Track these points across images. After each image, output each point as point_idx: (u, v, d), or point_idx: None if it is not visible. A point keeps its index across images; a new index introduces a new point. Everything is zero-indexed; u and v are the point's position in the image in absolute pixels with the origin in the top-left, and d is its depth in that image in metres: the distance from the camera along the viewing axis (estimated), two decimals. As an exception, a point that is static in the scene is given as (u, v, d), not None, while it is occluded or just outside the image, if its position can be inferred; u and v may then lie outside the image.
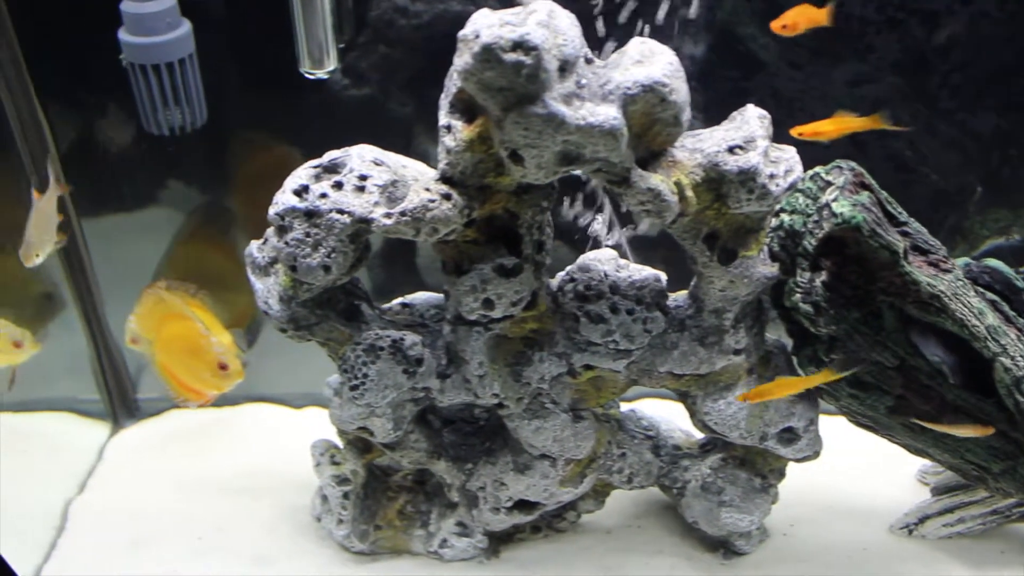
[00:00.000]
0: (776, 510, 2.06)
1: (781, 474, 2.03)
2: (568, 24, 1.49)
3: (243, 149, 2.45)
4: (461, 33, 1.46)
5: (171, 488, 2.34)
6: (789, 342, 1.91)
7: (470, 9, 2.30)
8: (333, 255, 1.67)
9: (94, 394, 2.52)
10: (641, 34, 2.21)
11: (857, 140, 2.07)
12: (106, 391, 2.50)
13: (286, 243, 1.68)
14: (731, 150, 1.60)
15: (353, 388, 1.83)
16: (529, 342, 1.83)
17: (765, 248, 1.74)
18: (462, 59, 1.46)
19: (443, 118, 1.60)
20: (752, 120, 1.63)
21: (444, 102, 1.61)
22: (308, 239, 1.67)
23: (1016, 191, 2.36)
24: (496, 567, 2.11)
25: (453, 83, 1.57)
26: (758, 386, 1.82)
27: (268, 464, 2.39)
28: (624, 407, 2.10)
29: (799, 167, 1.65)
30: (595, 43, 2.22)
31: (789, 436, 1.92)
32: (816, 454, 1.96)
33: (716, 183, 1.62)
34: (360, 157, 1.69)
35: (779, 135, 1.67)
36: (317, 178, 1.69)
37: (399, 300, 1.97)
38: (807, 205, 1.73)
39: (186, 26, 1.99)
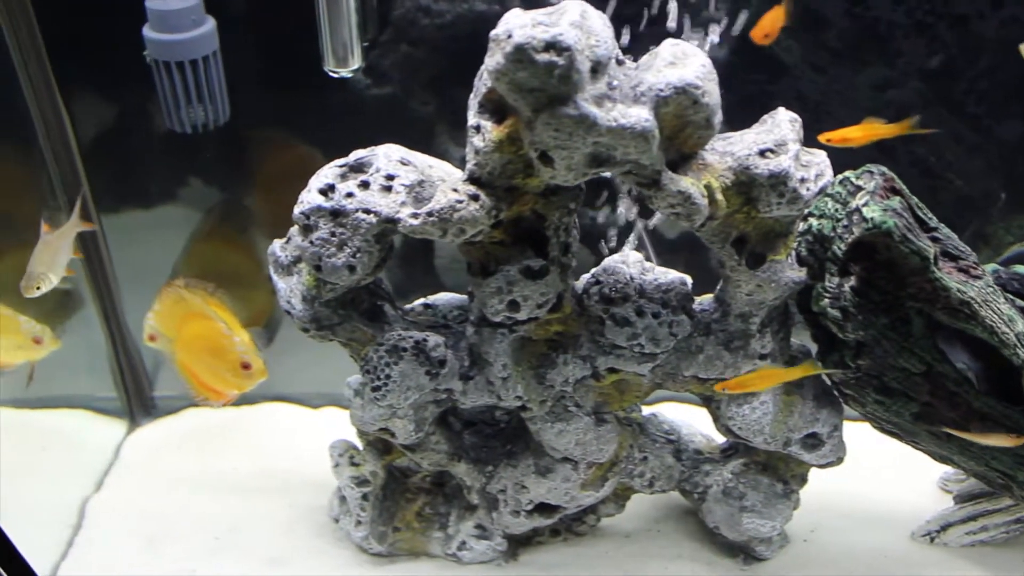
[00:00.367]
0: (797, 516, 2.05)
1: (803, 480, 2.02)
2: (601, 25, 1.48)
3: (263, 147, 2.44)
4: (493, 33, 1.45)
5: (188, 487, 2.33)
6: (814, 348, 1.90)
7: (494, 9, 2.32)
8: (358, 255, 1.66)
9: (111, 392, 2.51)
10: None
11: (883, 145, 2.05)
12: (123, 389, 2.50)
13: (311, 242, 1.67)
14: (762, 153, 1.59)
15: (375, 389, 1.82)
16: (553, 344, 1.82)
17: (792, 252, 1.73)
18: (494, 59, 1.45)
19: (472, 118, 1.59)
20: (783, 123, 1.62)
21: (473, 102, 1.60)
22: (333, 238, 1.66)
23: (1041, 197, 2.35)
24: (515, 570, 2.10)
25: (483, 83, 1.56)
26: (739, 376, 1.80)
27: (285, 464, 2.38)
28: (645, 411, 2.09)
29: (829, 171, 1.64)
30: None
31: (813, 442, 1.91)
32: (840, 460, 1.95)
33: (746, 186, 1.61)
34: (387, 156, 1.68)
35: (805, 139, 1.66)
36: (343, 177, 1.68)
37: (421, 301, 1.96)
38: (836, 210, 1.72)
39: (210, 23, 1.98)
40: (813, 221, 1.75)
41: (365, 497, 2.06)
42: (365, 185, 1.65)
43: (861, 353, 1.75)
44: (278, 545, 2.17)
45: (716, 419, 1.94)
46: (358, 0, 2.00)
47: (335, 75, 2.04)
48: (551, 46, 1.40)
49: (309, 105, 2.38)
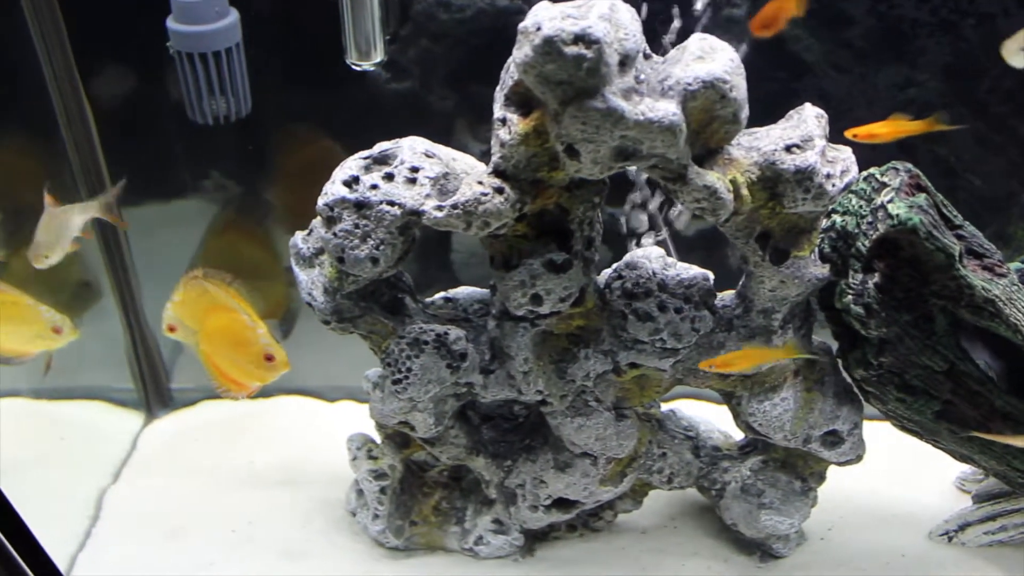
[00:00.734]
0: (814, 514, 2.04)
1: (821, 477, 2.01)
2: (629, 18, 1.48)
3: (282, 140, 2.44)
4: (522, 25, 1.45)
5: (204, 479, 2.34)
6: (835, 345, 1.90)
7: (515, 4, 2.32)
8: (382, 247, 1.66)
9: (128, 383, 2.52)
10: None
11: (903, 143, 2.05)
12: (141, 381, 2.50)
13: (334, 234, 1.67)
14: (788, 149, 1.59)
15: (396, 382, 1.82)
16: (575, 339, 1.82)
17: (816, 249, 1.73)
18: (522, 51, 1.45)
19: (498, 111, 1.59)
20: (809, 119, 1.62)
21: (499, 95, 1.59)
22: (357, 230, 1.66)
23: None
24: (531, 566, 2.10)
25: (510, 76, 1.56)
26: (723, 355, 1.78)
27: (301, 457, 2.39)
28: (663, 408, 2.08)
29: (855, 168, 1.63)
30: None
31: (833, 439, 1.91)
32: (859, 458, 1.94)
33: (772, 182, 1.60)
34: (411, 149, 1.68)
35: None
36: (367, 169, 1.68)
37: (442, 294, 1.96)
38: (860, 206, 1.71)
39: (234, 15, 1.99)
40: (837, 218, 1.75)
41: (383, 491, 2.06)
42: (390, 177, 1.65)
43: (883, 350, 1.74)
44: (295, 538, 2.17)
45: (736, 415, 1.94)
46: (381, -7, 2.01)
47: (357, 68, 2.04)
48: (580, 39, 1.39)
49: (328, 99, 2.38)
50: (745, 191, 1.60)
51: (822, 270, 1.73)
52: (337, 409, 2.58)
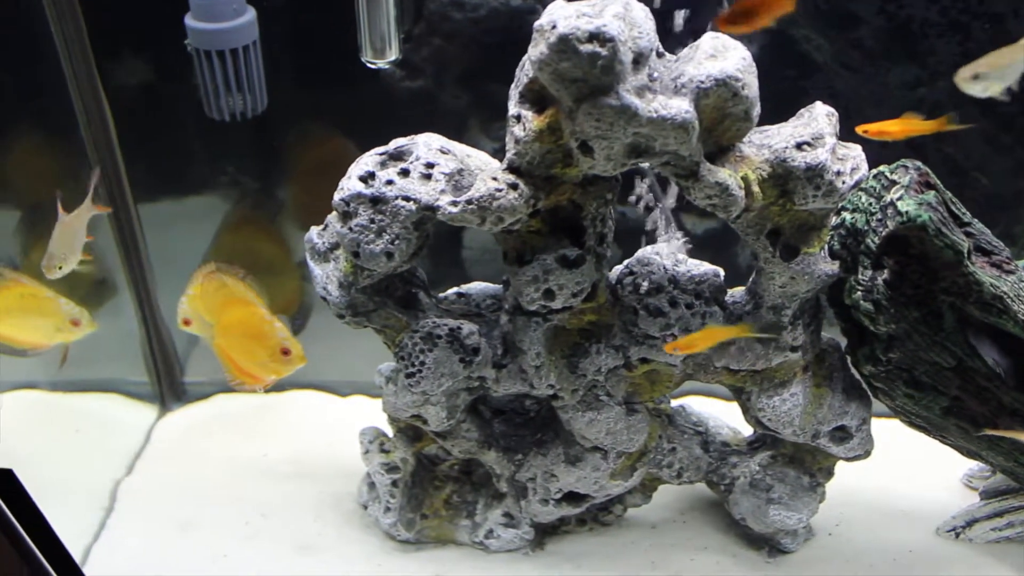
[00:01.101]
0: (822, 509, 2.06)
1: (829, 473, 2.03)
2: (643, 17, 1.50)
3: (296, 138, 2.47)
4: (537, 23, 1.48)
5: (217, 472, 2.36)
6: (843, 342, 1.92)
7: (528, 4, 2.34)
8: (396, 242, 1.69)
9: (142, 376, 2.54)
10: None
11: (912, 142, 2.06)
12: (155, 374, 2.53)
13: (350, 229, 1.70)
14: (799, 146, 1.61)
15: (409, 376, 1.85)
16: (586, 334, 1.84)
17: (825, 246, 1.75)
18: (537, 49, 1.47)
19: (513, 108, 1.61)
20: (820, 117, 1.64)
21: (514, 92, 1.62)
22: (372, 225, 1.68)
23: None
24: (541, 559, 2.12)
25: (525, 73, 1.58)
26: (685, 337, 1.78)
27: (313, 451, 2.41)
28: (673, 403, 2.10)
29: (865, 165, 1.66)
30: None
31: (841, 435, 1.92)
32: (867, 453, 1.96)
33: (782, 179, 1.62)
34: (427, 145, 1.71)
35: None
36: (383, 165, 1.71)
37: (455, 290, 1.98)
38: (870, 204, 1.73)
39: (251, 13, 2.01)
40: (846, 215, 1.77)
41: (395, 484, 2.08)
42: (405, 173, 1.68)
43: (892, 346, 1.76)
44: (307, 531, 2.19)
45: (746, 411, 1.96)
46: (396, -8, 2.03)
47: (372, 66, 2.07)
48: (595, 37, 1.42)
49: (342, 97, 2.40)
50: (756, 188, 1.62)
51: (832, 267, 1.74)
52: (349, 404, 2.60)
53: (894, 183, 1.71)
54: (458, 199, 1.64)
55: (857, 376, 1.92)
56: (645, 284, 1.81)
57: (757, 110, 1.58)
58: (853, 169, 1.63)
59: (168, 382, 2.56)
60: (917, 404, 1.82)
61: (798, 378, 1.88)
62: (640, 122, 1.48)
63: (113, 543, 2.16)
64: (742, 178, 1.60)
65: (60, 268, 1.97)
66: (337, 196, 1.70)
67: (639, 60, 1.50)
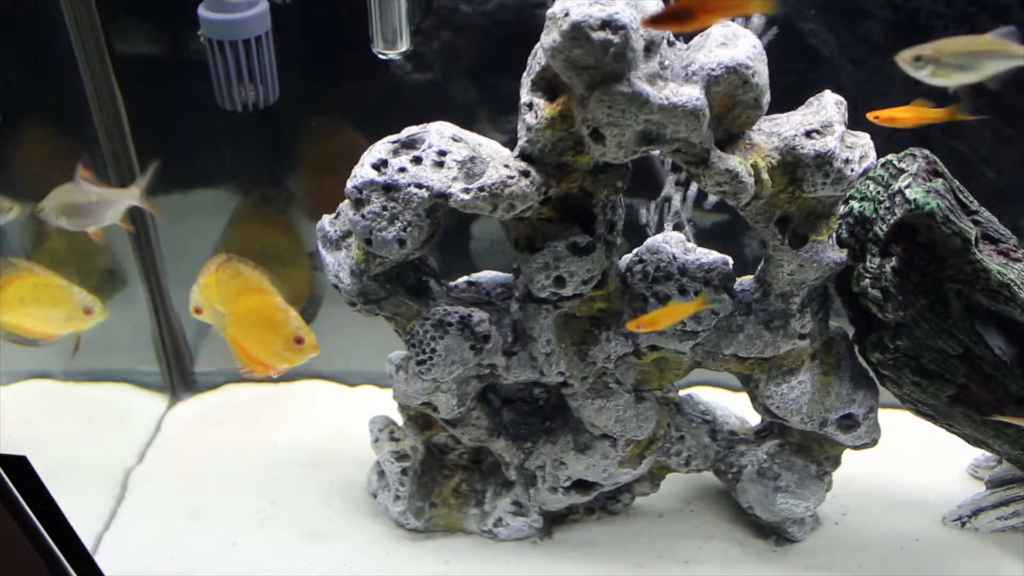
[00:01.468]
0: (828, 499, 2.07)
1: (836, 462, 2.04)
2: (654, 5, 1.52)
3: (305, 130, 2.49)
4: (550, 11, 1.49)
5: (227, 461, 2.38)
6: (850, 330, 1.93)
7: (535, -3, 2.35)
8: (409, 229, 1.70)
9: (153, 366, 2.56)
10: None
11: (918, 134, 2.08)
12: (165, 364, 2.54)
13: (362, 216, 1.71)
14: (808, 134, 1.62)
15: (420, 363, 1.86)
16: (596, 321, 1.85)
17: (833, 234, 1.76)
18: (550, 37, 1.49)
19: (525, 96, 1.63)
20: (829, 105, 1.65)
21: (526, 80, 1.64)
22: (385, 212, 1.70)
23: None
24: (549, 547, 2.13)
25: (537, 61, 1.60)
26: (647, 314, 1.78)
27: (323, 440, 2.42)
28: (681, 393, 2.12)
29: (873, 153, 1.67)
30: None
31: (849, 423, 1.94)
32: (874, 442, 1.97)
33: (792, 167, 1.64)
34: (439, 133, 1.73)
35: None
36: (395, 153, 1.72)
37: (464, 278, 2.00)
38: (878, 192, 1.75)
39: (263, 4, 2.03)
40: (854, 203, 1.79)
41: (404, 472, 2.10)
42: (418, 160, 1.70)
43: (900, 334, 1.78)
44: (317, 519, 2.21)
45: (754, 398, 1.97)
46: (407, -17, 2.05)
47: (384, 57, 2.08)
48: (607, 24, 1.43)
49: (351, 89, 2.42)
50: (766, 175, 1.64)
51: (840, 254, 1.76)
52: (358, 393, 2.62)
53: (902, 171, 1.72)
54: (470, 186, 1.65)
55: (864, 365, 1.93)
56: (654, 271, 1.82)
57: (767, 98, 1.59)
58: (861, 157, 1.65)
59: (179, 372, 2.57)
60: (924, 392, 1.84)
61: (806, 366, 1.89)
62: (651, 109, 1.50)
63: (124, 531, 2.18)
64: (752, 165, 1.62)
65: (41, 211, 1.98)
66: (350, 184, 1.71)
67: (650, 48, 1.52)
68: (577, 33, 1.44)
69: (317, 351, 1.95)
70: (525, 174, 1.65)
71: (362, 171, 1.71)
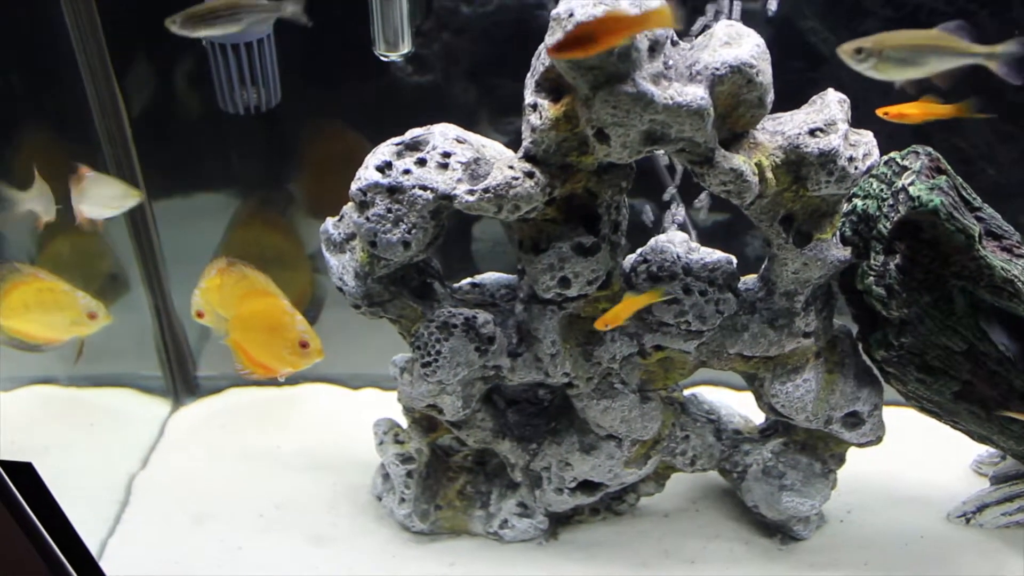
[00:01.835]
0: (833, 497, 2.08)
1: (841, 460, 2.05)
2: (657, 3, 1.52)
3: (305, 132, 2.49)
4: (554, 12, 1.50)
5: (231, 465, 2.37)
6: (854, 328, 1.94)
7: (535, -1, 2.36)
8: (413, 231, 1.70)
9: (155, 371, 2.56)
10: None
11: (919, 132, 2.08)
12: (168, 368, 2.54)
13: (367, 218, 1.71)
14: (812, 132, 1.63)
15: (425, 365, 1.86)
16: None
17: (837, 232, 1.77)
18: (554, 37, 1.49)
19: (529, 97, 1.63)
20: (832, 104, 1.66)
21: (530, 81, 1.64)
22: (389, 215, 1.70)
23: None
24: (555, 548, 2.13)
25: (541, 62, 1.60)
26: (609, 312, 1.77)
27: (326, 443, 2.42)
28: (685, 392, 2.12)
29: (876, 151, 1.68)
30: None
31: (854, 420, 1.94)
32: (879, 439, 1.98)
33: (796, 165, 1.64)
34: (443, 135, 1.73)
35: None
36: (399, 155, 1.72)
37: (468, 280, 2.00)
38: (881, 190, 1.75)
39: (265, 7, 2.03)
40: (858, 201, 1.79)
41: (410, 475, 2.09)
42: (422, 162, 1.70)
43: (904, 331, 1.78)
44: (322, 523, 2.20)
45: (759, 397, 1.98)
46: (409, -15, 2.05)
47: (385, 59, 2.09)
48: (611, 24, 1.44)
49: (351, 92, 2.42)
50: (770, 174, 1.64)
51: (844, 252, 1.76)
52: (361, 396, 2.62)
53: (905, 169, 1.73)
54: (475, 188, 1.65)
55: (868, 362, 1.94)
56: (659, 271, 1.83)
57: (771, 97, 1.60)
58: (865, 155, 1.65)
59: (181, 376, 2.57)
60: (929, 389, 1.84)
61: (810, 364, 1.90)
62: (656, 109, 1.50)
63: (129, 537, 2.17)
64: (756, 164, 1.63)
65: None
66: (354, 186, 1.71)
67: (655, 48, 1.52)
68: (581, 33, 1.44)
69: (322, 356, 1.95)
70: (530, 175, 1.65)
71: (367, 173, 1.71)
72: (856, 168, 1.64)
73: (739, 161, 1.60)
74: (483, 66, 2.43)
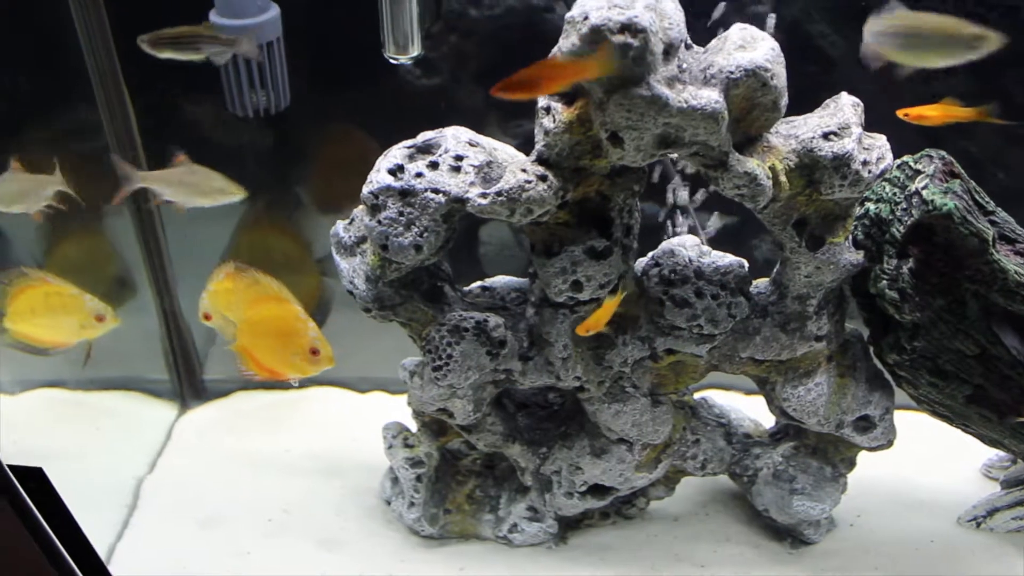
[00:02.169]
0: (843, 501, 2.08)
1: (852, 463, 2.04)
2: (673, 8, 1.52)
3: (314, 136, 2.48)
4: (568, 15, 1.49)
5: (239, 469, 2.37)
6: (865, 333, 1.93)
7: (545, 1, 2.35)
8: (425, 234, 1.70)
9: (163, 374, 2.55)
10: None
11: (930, 136, 2.08)
12: (175, 372, 2.53)
13: (379, 222, 1.70)
14: (826, 136, 1.62)
15: (436, 369, 1.85)
16: (613, 326, 1.85)
17: (849, 236, 1.76)
18: (568, 40, 1.49)
19: (542, 100, 1.62)
20: (846, 107, 1.65)
21: (543, 84, 1.63)
22: (401, 218, 1.69)
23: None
24: (564, 553, 2.13)
25: (554, 65, 1.59)
26: (590, 317, 1.76)
27: (334, 447, 2.42)
28: (695, 396, 2.12)
29: (890, 155, 1.67)
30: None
31: (865, 424, 1.94)
32: (890, 443, 1.98)
33: (809, 169, 1.64)
34: (455, 138, 1.72)
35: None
36: (411, 158, 1.72)
37: (479, 283, 1.99)
38: (894, 194, 1.75)
39: (275, 10, 2.02)
40: (871, 205, 1.79)
41: (419, 479, 2.09)
42: (434, 165, 1.69)
43: (917, 335, 1.78)
44: (330, 527, 2.20)
45: (770, 401, 1.97)
46: (418, -13, 2.04)
47: (395, 62, 2.08)
48: (626, 28, 1.43)
49: (360, 95, 2.41)
50: (783, 178, 1.64)
51: (856, 256, 1.76)
52: (368, 400, 2.61)
53: (919, 172, 1.72)
54: (488, 191, 1.65)
55: (879, 366, 1.93)
56: (670, 275, 1.82)
57: (785, 100, 1.59)
58: (879, 159, 1.65)
59: (188, 380, 2.57)
60: (941, 393, 1.84)
61: (822, 368, 1.89)
62: (670, 112, 1.50)
63: (137, 541, 2.16)
64: (770, 168, 1.62)
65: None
66: (366, 189, 1.71)
67: (669, 51, 1.51)
68: (596, 36, 1.44)
69: (332, 363, 1.94)
70: (543, 178, 1.64)
71: (378, 176, 1.70)
72: (870, 172, 1.63)
73: (753, 165, 1.59)
74: (491, 69, 2.42)
